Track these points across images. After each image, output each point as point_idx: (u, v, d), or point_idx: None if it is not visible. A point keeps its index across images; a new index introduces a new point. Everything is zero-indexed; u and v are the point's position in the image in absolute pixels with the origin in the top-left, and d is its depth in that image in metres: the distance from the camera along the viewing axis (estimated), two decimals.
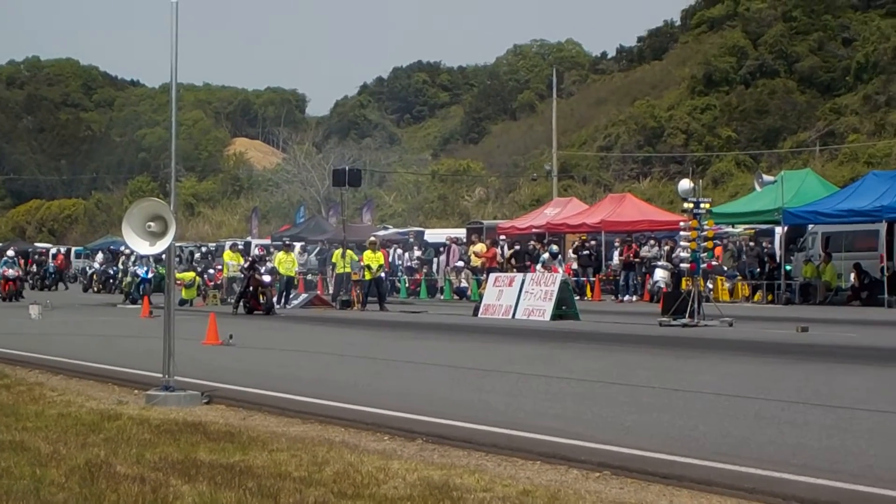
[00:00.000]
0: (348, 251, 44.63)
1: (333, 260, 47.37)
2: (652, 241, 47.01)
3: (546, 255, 43.84)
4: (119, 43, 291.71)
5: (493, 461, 10.67)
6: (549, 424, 12.46)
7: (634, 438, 11.48)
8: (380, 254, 42.24)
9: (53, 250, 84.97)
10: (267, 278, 38.54)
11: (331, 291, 47.26)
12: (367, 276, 41.30)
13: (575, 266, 49.79)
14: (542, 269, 40.59)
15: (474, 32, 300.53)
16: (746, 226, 48.51)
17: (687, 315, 28.96)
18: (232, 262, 47.24)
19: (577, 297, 39.94)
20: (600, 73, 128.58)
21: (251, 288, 38.02)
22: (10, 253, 53.33)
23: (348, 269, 43.81)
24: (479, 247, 50.76)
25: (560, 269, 42.73)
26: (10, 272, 51.04)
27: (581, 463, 10.32)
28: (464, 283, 51.41)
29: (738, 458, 10.24)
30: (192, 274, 47.22)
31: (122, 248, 59.33)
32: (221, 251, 55.30)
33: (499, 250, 49.19)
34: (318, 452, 10.90)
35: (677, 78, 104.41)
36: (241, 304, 38.35)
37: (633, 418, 13.01)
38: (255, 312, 37.49)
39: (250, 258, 42.95)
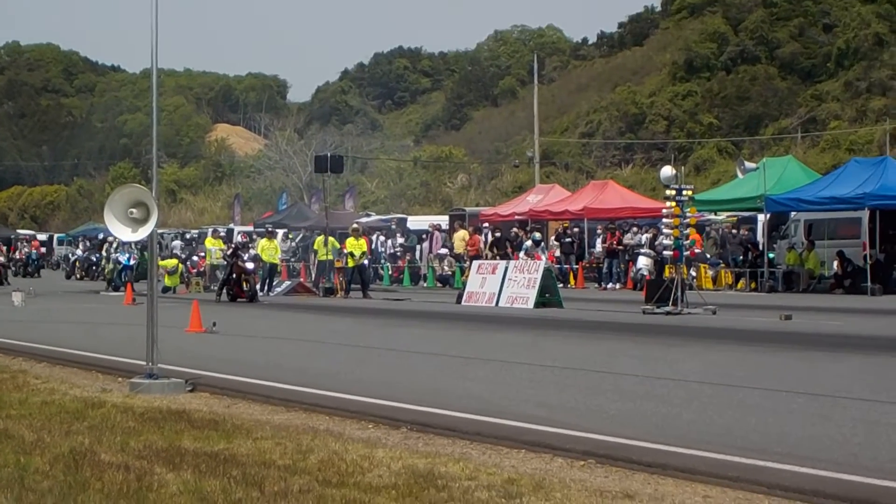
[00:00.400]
0: (330, 238, 44.60)
1: (315, 247, 47.37)
2: (635, 229, 46.92)
3: (529, 243, 43.86)
4: (100, 28, 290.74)
5: (478, 449, 10.68)
6: (534, 412, 12.48)
7: (619, 427, 11.50)
8: (362, 241, 42.18)
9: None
10: (250, 265, 38.50)
11: (313, 279, 47.22)
12: (350, 264, 41.29)
13: (558, 253, 49.70)
14: (524, 257, 40.61)
15: (455, 18, 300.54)
16: (729, 213, 48.50)
17: (670, 303, 28.92)
18: (214, 247, 47.21)
19: (560, 285, 39.92)
20: (581, 59, 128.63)
21: (234, 275, 38.00)
22: None
23: (330, 257, 43.85)
24: (463, 233, 50.77)
25: (543, 257, 42.82)
26: None
27: (566, 451, 10.34)
28: (447, 271, 51.41)
29: (721, 447, 10.26)
30: (174, 261, 47.14)
31: (101, 235, 59.23)
32: (204, 238, 55.21)
33: (482, 238, 49.09)
34: (303, 440, 10.91)
35: (658, 64, 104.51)
36: (224, 291, 38.29)
37: (617, 406, 13.02)
38: (239, 300, 37.46)
39: (233, 245, 42.92)
